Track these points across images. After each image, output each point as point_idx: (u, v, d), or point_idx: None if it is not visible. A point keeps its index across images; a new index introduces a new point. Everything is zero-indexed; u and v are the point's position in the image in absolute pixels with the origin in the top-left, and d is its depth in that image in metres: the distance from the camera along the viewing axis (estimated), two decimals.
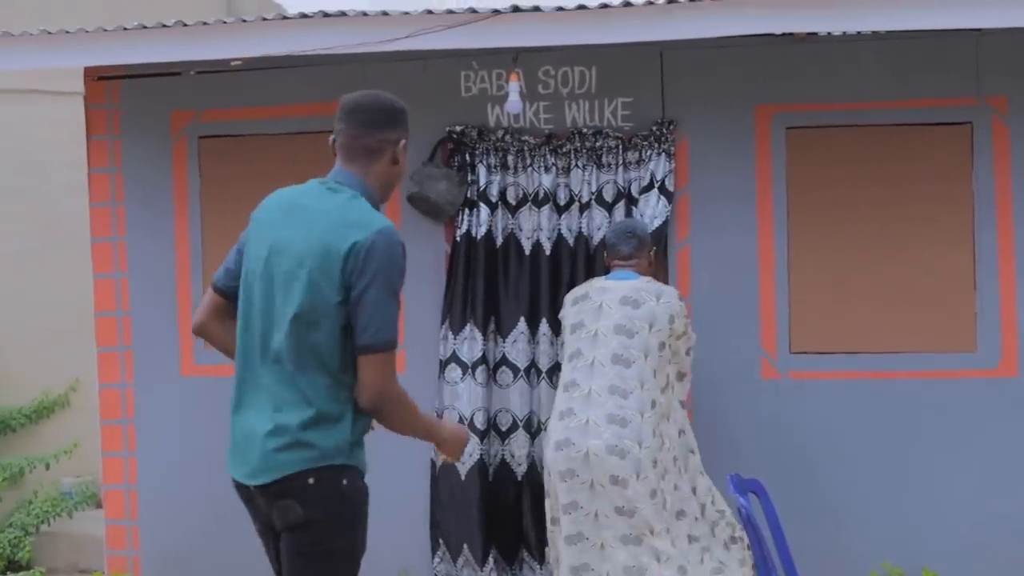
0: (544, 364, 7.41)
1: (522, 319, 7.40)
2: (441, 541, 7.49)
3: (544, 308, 7.38)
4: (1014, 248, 7.07)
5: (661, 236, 7.25)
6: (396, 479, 7.50)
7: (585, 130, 7.39)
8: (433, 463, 7.48)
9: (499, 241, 7.44)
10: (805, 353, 7.25)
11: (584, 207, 7.36)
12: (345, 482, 4.41)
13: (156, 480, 7.92)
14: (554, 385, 7.28)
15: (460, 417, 7.40)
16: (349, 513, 4.44)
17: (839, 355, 7.22)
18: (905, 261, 7.17)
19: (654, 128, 7.31)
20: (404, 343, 7.47)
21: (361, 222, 4.40)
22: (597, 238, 7.32)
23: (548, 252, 7.38)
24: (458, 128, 7.49)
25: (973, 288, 7.12)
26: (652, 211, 7.25)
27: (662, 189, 7.24)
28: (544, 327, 7.39)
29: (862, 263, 7.22)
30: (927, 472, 7.14)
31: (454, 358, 7.47)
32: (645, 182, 7.28)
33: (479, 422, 7.43)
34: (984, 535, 7.09)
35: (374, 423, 4.57)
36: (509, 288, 7.43)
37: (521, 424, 7.42)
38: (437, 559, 7.51)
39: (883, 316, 7.18)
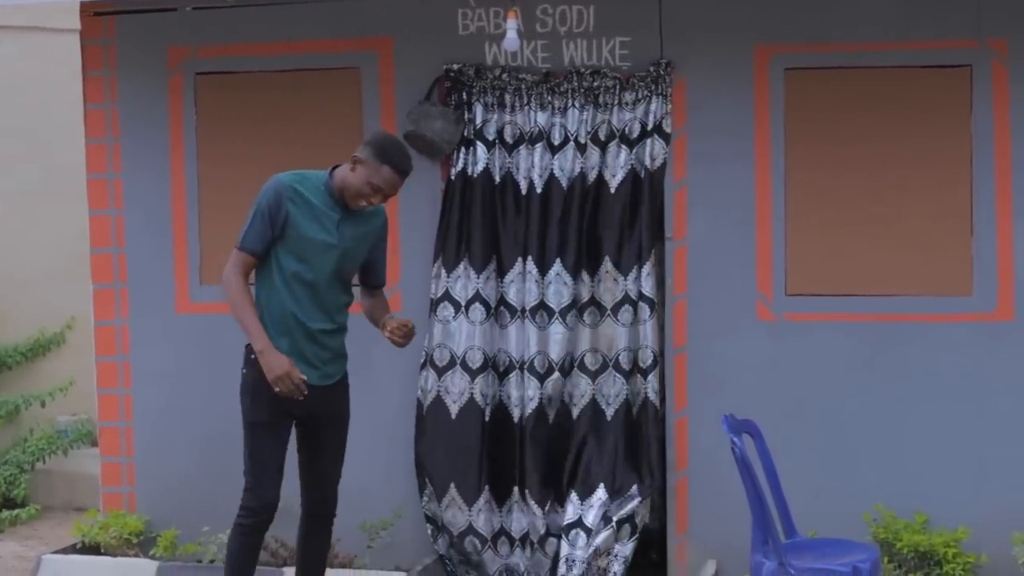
0: (530, 303, 7.38)
1: (519, 259, 7.39)
2: (428, 480, 7.47)
3: (533, 248, 7.37)
4: (1011, 192, 7.03)
5: (659, 178, 7.22)
6: (390, 418, 7.57)
7: (583, 69, 7.35)
8: (419, 401, 7.45)
9: (496, 180, 7.42)
10: (801, 295, 7.24)
11: (580, 147, 7.33)
12: (251, 356, 5.89)
13: (152, 417, 7.91)
14: (539, 325, 7.27)
15: (452, 356, 7.38)
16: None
17: (835, 297, 7.21)
18: (902, 203, 7.14)
19: (652, 68, 7.28)
20: (399, 282, 7.49)
21: None
22: (592, 178, 7.33)
23: (539, 191, 7.36)
24: (455, 66, 7.45)
25: (970, 231, 7.09)
26: (650, 154, 7.24)
27: (659, 131, 7.24)
28: (531, 266, 7.38)
29: (859, 205, 7.19)
30: (922, 416, 7.13)
31: (447, 296, 7.45)
32: (641, 124, 7.27)
33: (472, 361, 7.43)
34: (978, 479, 7.08)
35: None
36: (507, 227, 7.42)
37: (517, 365, 7.39)
38: (425, 498, 7.50)
39: (880, 258, 7.17)
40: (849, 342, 7.19)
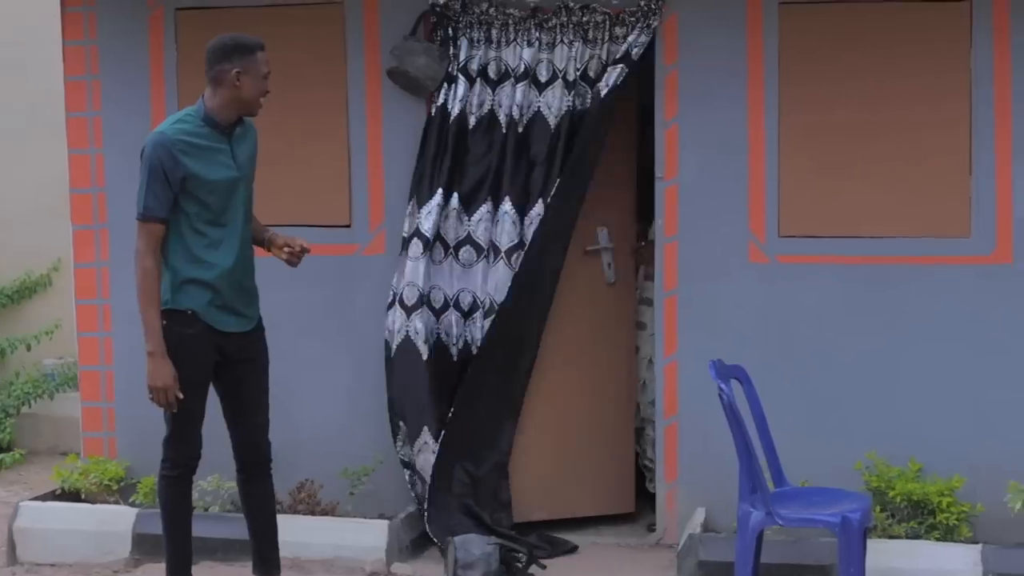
0: (504, 243, 7.25)
1: (488, 198, 7.27)
2: (401, 424, 7.35)
3: (506, 186, 7.25)
4: (1011, 130, 6.89)
5: (609, 102, 7.15)
6: (371, 359, 7.47)
7: (572, 4, 7.21)
8: (387, 342, 7.34)
9: (477, 117, 7.28)
10: (794, 236, 7.13)
11: (569, 84, 7.19)
12: (164, 323, 5.79)
13: (132, 361, 7.59)
14: (513, 267, 7.18)
15: (420, 295, 7.25)
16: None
17: (829, 239, 7.10)
18: (899, 142, 7.01)
19: (642, 3, 7.13)
20: (384, 222, 7.43)
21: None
22: (583, 115, 7.22)
23: (521, 130, 7.23)
24: (441, 1, 7.30)
25: (968, 172, 6.95)
26: (608, 81, 7.13)
27: (626, 59, 7.11)
28: (507, 205, 7.25)
29: (855, 144, 7.06)
30: (917, 360, 7.03)
31: (417, 233, 7.29)
32: (619, 55, 7.15)
33: (436, 300, 7.33)
34: (974, 426, 6.99)
35: None
36: (480, 165, 7.29)
37: (482, 306, 7.30)
38: (399, 443, 7.38)
39: (875, 199, 7.04)
40: (843, 285, 7.08)
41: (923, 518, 6.81)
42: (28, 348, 10.20)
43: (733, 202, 7.15)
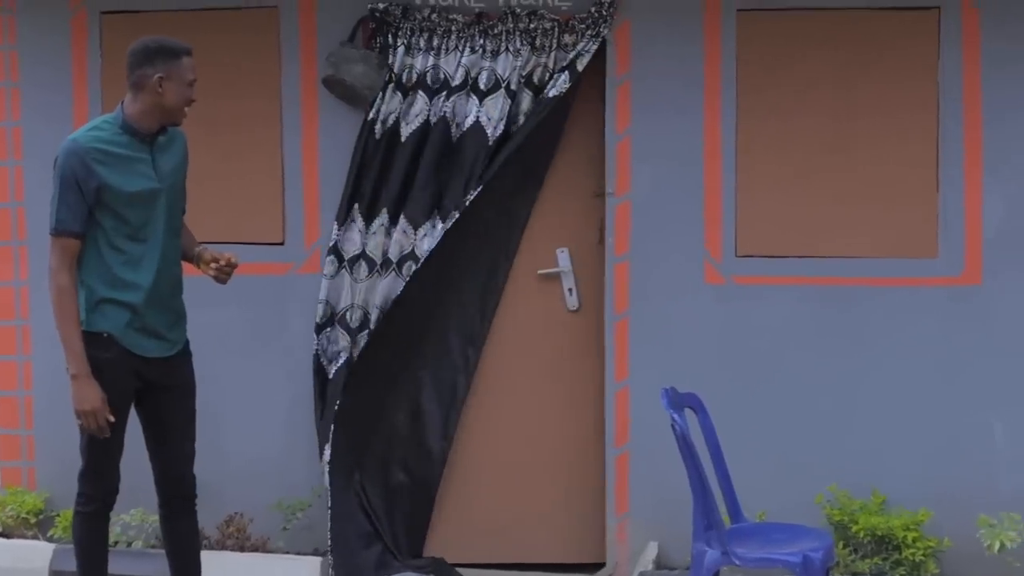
0: (394, 255, 7.00)
1: (431, 214, 7.00)
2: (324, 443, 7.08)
3: (450, 202, 6.97)
4: (981, 144, 6.65)
5: (556, 111, 6.92)
6: (307, 385, 7.17)
7: (519, 10, 6.93)
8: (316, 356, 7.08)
9: (408, 129, 6.98)
10: (752, 256, 6.88)
11: (511, 93, 6.90)
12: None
13: (53, 386, 7.27)
14: (404, 277, 6.95)
15: (332, 313, 7.03)
16: None
17: (789, 259, 6.85)
18: (863, 157, 6.77)
19: (593, 9, 6.85)
20: (320, 239, 7.14)
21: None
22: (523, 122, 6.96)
23: (455, 141, 6.96)
24: (380, 5, 7.01)
25: (936, 188, 6.72)
26: (551, 89, 6.88)
27: (570, 67, 6.86)
28: (435, 220, 6.99)
29: (816, 159, 6.82)
30: (881, 387, 6.78)
31: (334, 250, 7.04)
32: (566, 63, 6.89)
33: (353, 320, 7.02)
34: (941, 456, 6.75)
35: None
36: (422, 179, 6.98)
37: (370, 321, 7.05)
38: (325, 469, 7.05)
39: (838, 217, 6.80)
40: (804, 307, 6.84)
41: (888, 553, 6.55)
42: None
43: (688, 219, 6.90)
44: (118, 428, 5.55)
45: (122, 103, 5.53)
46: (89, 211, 5.41)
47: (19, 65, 7.40)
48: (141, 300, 5.50)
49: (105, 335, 5.48)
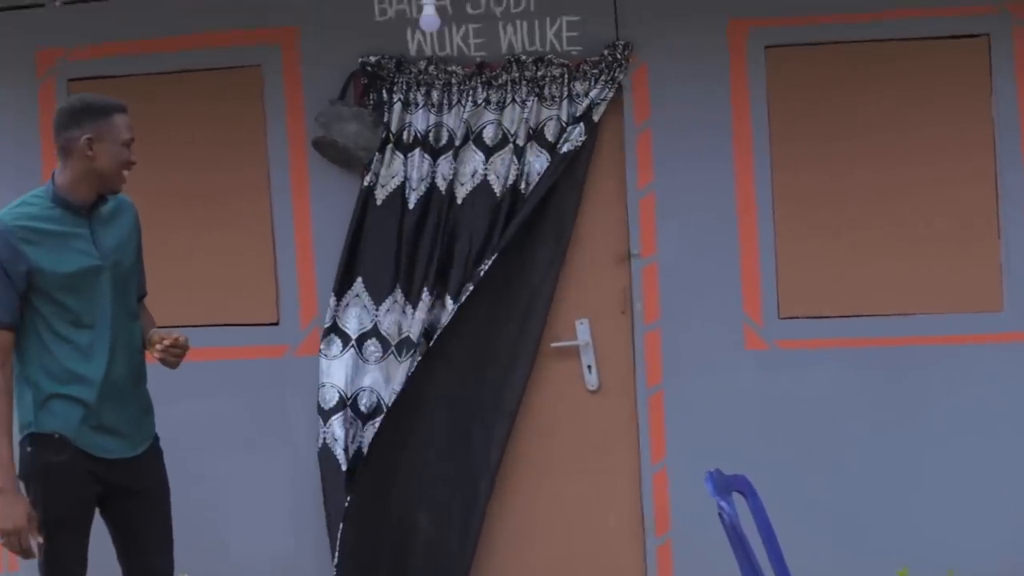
0: (411, 331, 6.56)
1: (416, 286, 6.57)
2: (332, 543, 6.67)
3: (432, 271, 6.55)
4: None
5: (572, 167, 6.50)
6: (314, 476, 6.73)
7: (524, 57, 6.50)
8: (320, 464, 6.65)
9: (415, 195, 6.55)
10: (796, 318, 6.48)
11: (519, 149, 6.48)
12: (28, 449, 4.94)
13: None
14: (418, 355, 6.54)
15: (342, 397, 6.56)
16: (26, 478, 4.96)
17: (838, 319, 6.46)
18: (914, 204, 6.39)
19: (606, 52, 6.44)
20: (317, 317, 6.72)
21: None
22: (536, 182, 6.52)
23: (460, 202, 6.54)
24: (372, 59, 6.58)
25: (997, 235, 6.35)
26: (565, 144, 6.45)
27: (584, 118, 6.44)
28: (436, 293, 6.57)
29: (862, 208, 6.42)
30: (947, 458, 6.38)
31: (334, 328, 6.62)
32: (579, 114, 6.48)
33: (364, 405, 6.59)
34: (1017, 531, 6.31)
35: None
36: (420, 248, 6.56)
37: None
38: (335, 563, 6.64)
39: (889, 271, 6.43)
40: (856, 372, 6.43)
41: None
42: None
43: (723, 279, 6.50)
44: (75, 540, 5.00)
45: (53, 174, 5.06)
46: (21, 298, 4.90)
47: None
48: (94, 394, 4.95)
49: (56, 436, 4.93)
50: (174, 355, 5.04)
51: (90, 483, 4.96)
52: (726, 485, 5.27)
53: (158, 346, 5.03)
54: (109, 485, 5.00)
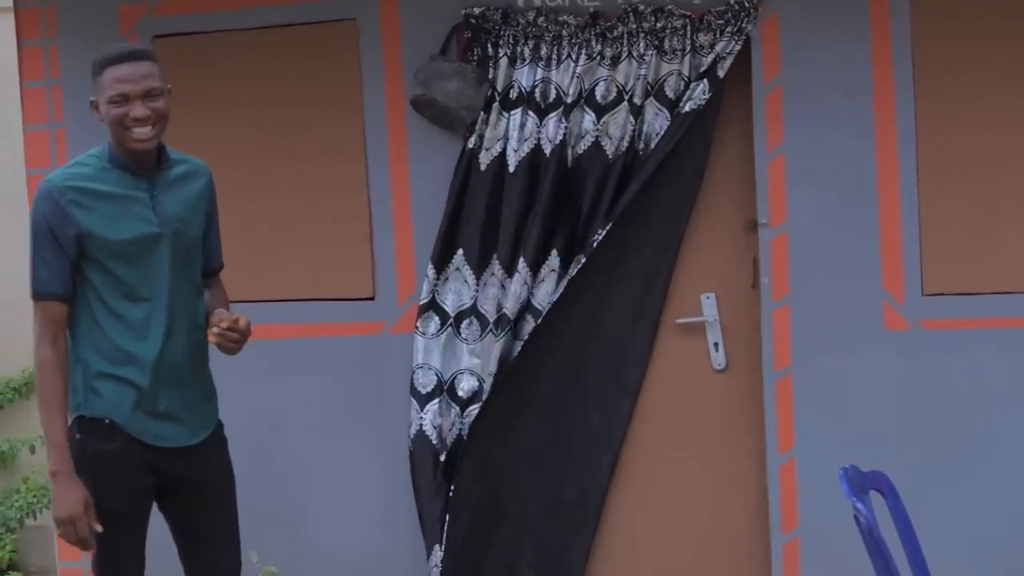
0: (511, 309, 6.19)
1: (529, 256, 6.19)
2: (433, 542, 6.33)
3: (546, 240, 6.18)
4: None
5: (697, 127, 6.11)
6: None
7: (642, 7, 6.09)
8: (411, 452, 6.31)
9: (517, 157, 6.18)
10: (943, 295, 5.98)
11: (635, 108, 6.07)
12: (77, 435, 4.63)
13: None
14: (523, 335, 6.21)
15: (440, 380, 6.25)
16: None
17: (988, 296, 5.94)
18: None
19: (732, 1, 6.01)
20: (416, 292, 6.40)
21: None
22: (655, 144, 6.10)
23: (570, 165, 6.15)
24: (476, 10, 6.21)
25: None
26: (688, 102, 6.05)
27: (709, 73, 6.02)
28: (554, 262, 6.14)
29: (1018, 173, 5.91)
30: None
31: (432, 304, 6.27)
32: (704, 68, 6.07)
33: (462, 389, 6.25)
34: None
35: None
36: (531, 216, 6.18)
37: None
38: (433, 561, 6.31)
39: None
40: (1009, 356, 5.92)
41: None
42: (32, 450, 9.24)
43: (861, 252, 6.04)
44: (130, 535, 4.73)
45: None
46: (73, 267, 4.59)
47: (63, 102, 6.71)
48: (147, 376, 4.65)
49: (107, 421, 4.64)
50: (232, 340, 4.68)
51: (145, 474, 4.67)
52: (863, 483, 4.90)
53: (215, 328, 4.67)
54: (167, 476, 4.71)
